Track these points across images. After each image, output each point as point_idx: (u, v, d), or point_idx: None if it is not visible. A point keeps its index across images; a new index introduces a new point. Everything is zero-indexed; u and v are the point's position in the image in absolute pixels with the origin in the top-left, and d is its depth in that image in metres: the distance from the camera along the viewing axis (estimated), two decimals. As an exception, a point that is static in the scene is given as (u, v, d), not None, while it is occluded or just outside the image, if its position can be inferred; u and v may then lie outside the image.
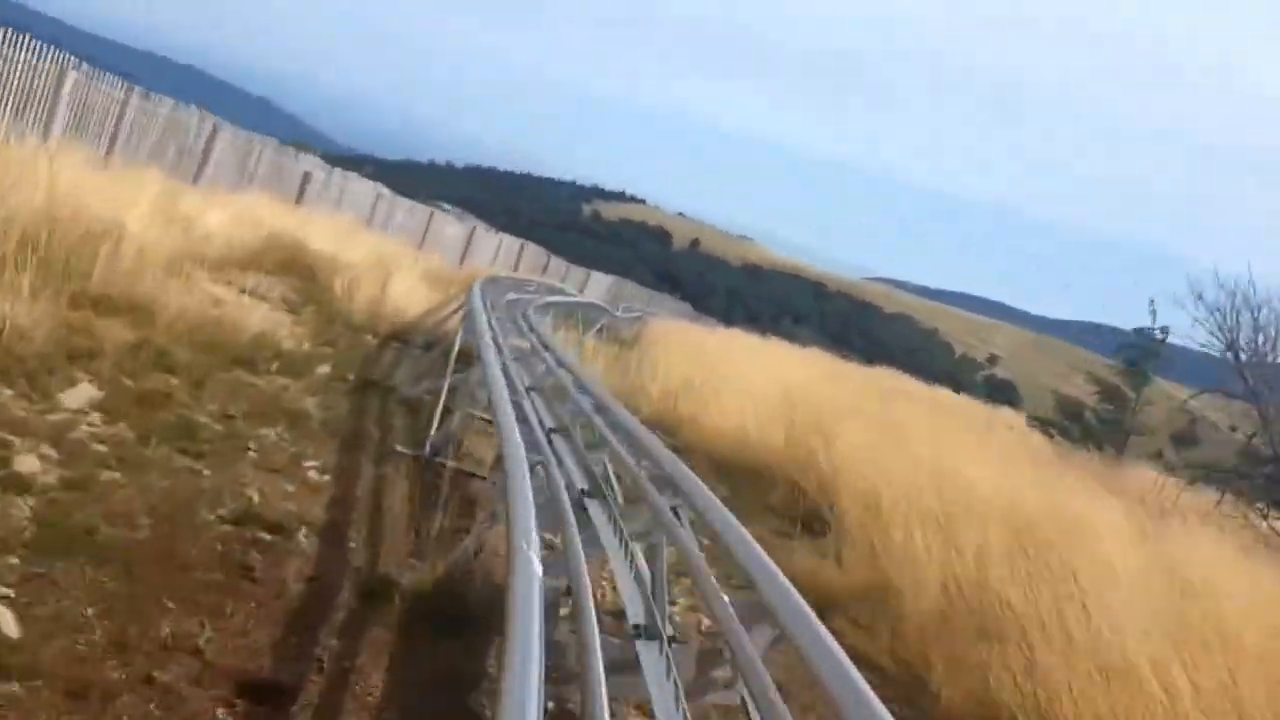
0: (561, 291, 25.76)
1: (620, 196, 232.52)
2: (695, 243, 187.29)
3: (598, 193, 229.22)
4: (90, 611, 4.15)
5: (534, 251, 37.97)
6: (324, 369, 9.82)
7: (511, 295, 16.87)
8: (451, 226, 30.08)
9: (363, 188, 22.07)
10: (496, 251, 32.92)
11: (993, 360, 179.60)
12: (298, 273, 15.13)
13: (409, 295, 15.13)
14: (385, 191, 23.65)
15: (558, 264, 41.04)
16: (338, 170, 21.56)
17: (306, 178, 18.28)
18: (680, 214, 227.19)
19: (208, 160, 16.64)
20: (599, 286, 44.66)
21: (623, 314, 31.27)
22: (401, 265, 17.44)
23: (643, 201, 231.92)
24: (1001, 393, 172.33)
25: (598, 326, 21.33)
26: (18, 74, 12.70)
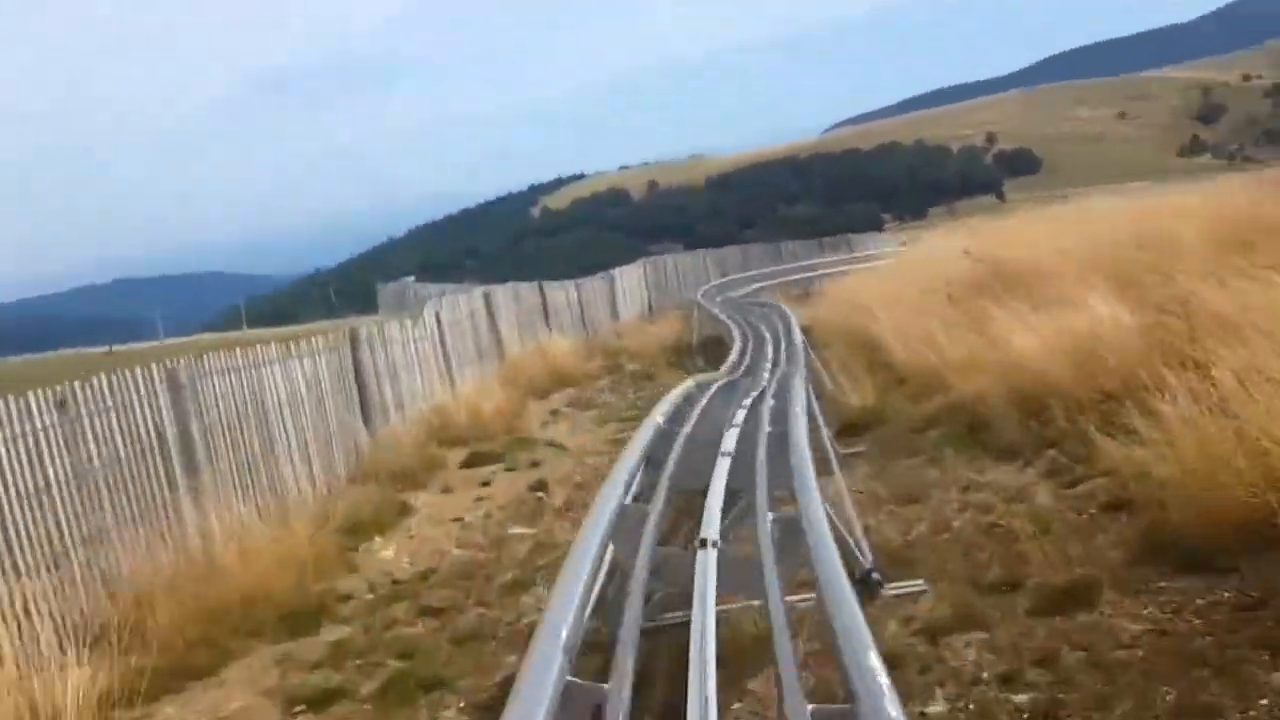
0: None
1: (558, 183, 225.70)
2: (653, 185, 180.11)
3: (538, 190, 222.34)
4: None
5: (507, 306, 19.67)
6: None
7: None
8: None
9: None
10: (418, 365, 14.03)
11: (992, 139, 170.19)
12: None
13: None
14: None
15: (556, 297, 23.47)
16: None
17: None
18: (623, 168, 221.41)
19: None
20: (632, 289, 30.57)
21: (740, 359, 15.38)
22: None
23: (583, 175, 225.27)
24: (1021, 163, 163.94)
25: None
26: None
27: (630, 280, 30.92)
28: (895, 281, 17.61)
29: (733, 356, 15.03)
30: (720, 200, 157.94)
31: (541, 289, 23.02)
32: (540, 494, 9.13)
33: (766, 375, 10.87)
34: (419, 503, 9.56)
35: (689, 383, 8.72)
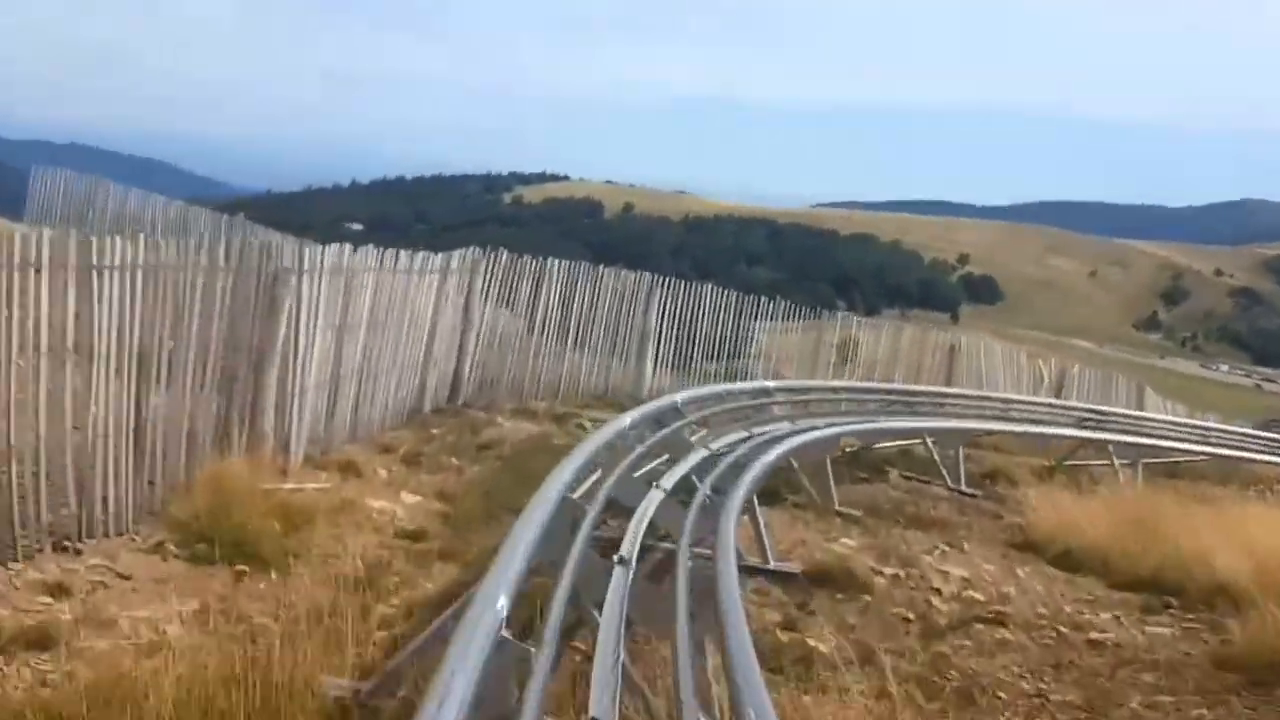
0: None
1: (540, 178, 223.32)
2: (629, 207, 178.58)
3: (516, 179, 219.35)
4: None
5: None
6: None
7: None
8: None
9: None
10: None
11: (964, 260, 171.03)
12: None
13: None
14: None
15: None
16: None
17: None
18: (608, 181, 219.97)
19: None
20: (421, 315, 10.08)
21: None
22: None
23: (565, 177, 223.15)
24: (981, 290, 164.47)
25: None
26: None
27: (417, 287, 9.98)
28: None
29: None
30: (689, 241, 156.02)
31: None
32: None
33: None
34: None
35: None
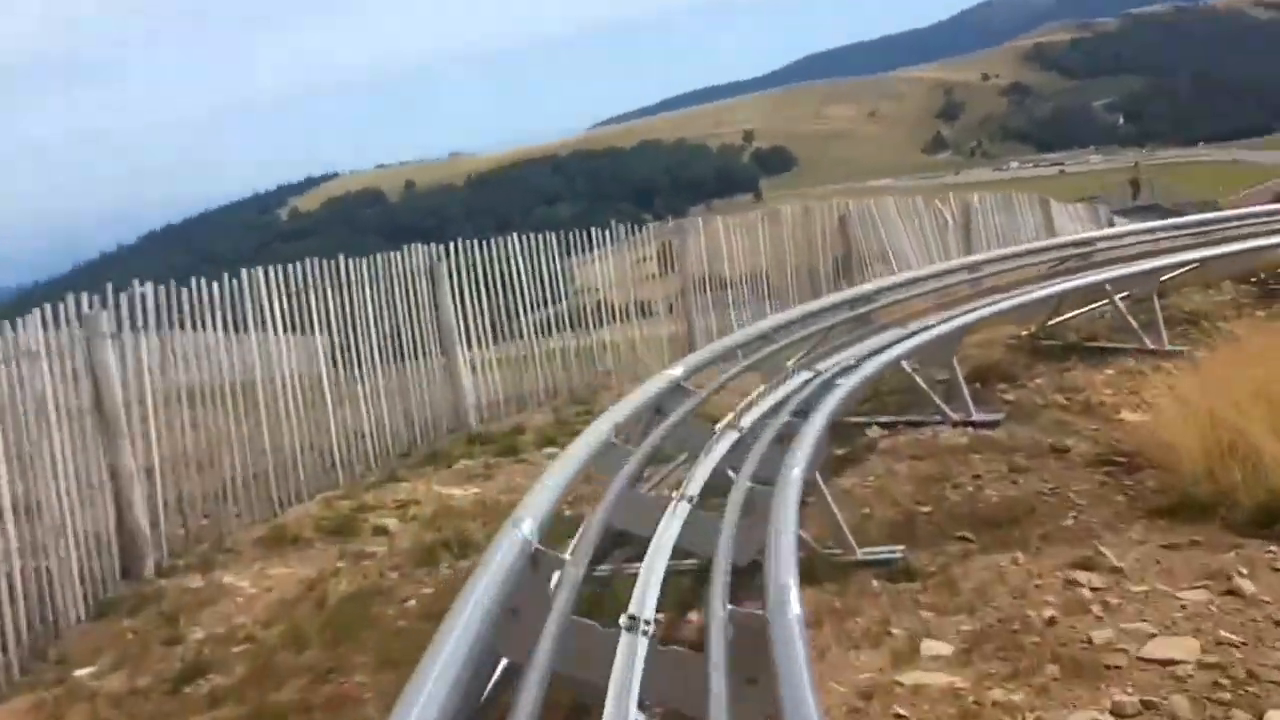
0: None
1: (310, 183, 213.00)
2: (410, 184, 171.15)
3: (286, 190, 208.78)
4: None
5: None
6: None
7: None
8: None
9: None
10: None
11: (749, 137, 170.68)
12: None
13: None
14: None
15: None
16: None
17: None
18: (380, 166, 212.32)
19: None
20: None
21: None
22: None
23: (336, 175, 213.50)
24: (776, 161, 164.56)
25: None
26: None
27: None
28: None
29: None
30: (479, 200, 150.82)
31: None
32: None
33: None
34: None
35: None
